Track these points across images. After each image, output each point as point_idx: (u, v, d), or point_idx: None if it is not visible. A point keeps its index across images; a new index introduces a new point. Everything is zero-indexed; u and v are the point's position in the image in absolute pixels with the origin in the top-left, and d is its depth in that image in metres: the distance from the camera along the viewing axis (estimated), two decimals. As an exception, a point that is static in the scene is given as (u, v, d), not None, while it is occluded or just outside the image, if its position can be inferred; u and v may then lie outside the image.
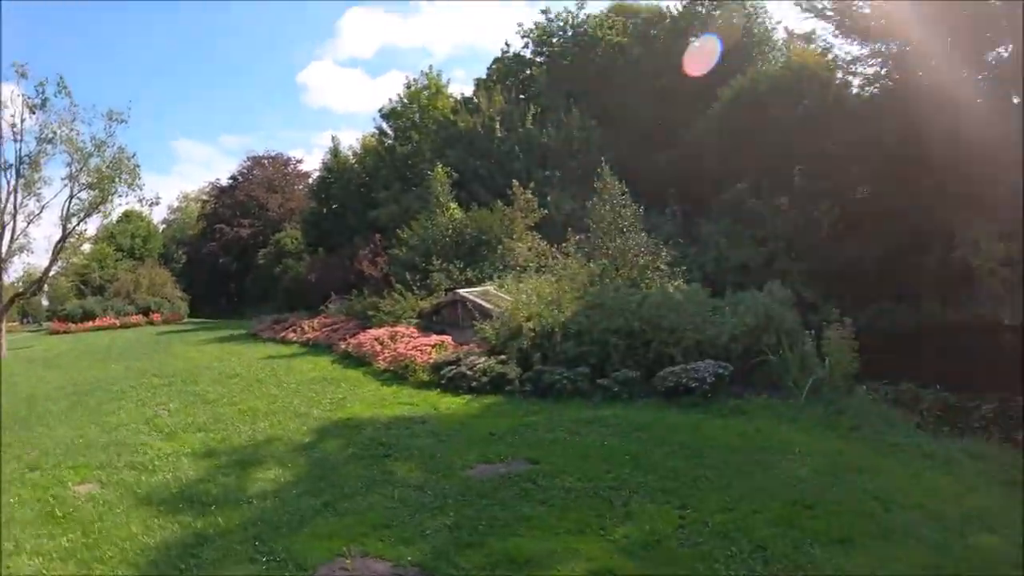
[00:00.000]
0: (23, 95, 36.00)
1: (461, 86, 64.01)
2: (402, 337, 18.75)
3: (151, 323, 53.46)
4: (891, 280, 24.15)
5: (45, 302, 79.19)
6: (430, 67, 48.06)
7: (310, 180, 66.54)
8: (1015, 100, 25.57)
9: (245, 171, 70.71)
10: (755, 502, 7.05)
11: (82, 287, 54.89)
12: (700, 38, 37.26)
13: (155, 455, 10.08)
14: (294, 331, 28.34)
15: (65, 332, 49.34)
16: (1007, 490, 7.96)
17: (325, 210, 48.59)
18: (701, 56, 36.00)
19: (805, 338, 13.09)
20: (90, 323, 51.36)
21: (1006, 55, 26.17)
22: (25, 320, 74.21)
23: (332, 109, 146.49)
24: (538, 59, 41.32)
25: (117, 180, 37.82)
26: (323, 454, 9.57)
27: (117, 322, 52.29)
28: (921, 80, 25.05)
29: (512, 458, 8.88)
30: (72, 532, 7.19)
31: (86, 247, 48.33)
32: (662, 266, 19.85)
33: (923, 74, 25.27)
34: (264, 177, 69.36)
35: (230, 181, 71.35)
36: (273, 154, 73.13)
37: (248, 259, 63.96)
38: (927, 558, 5.88)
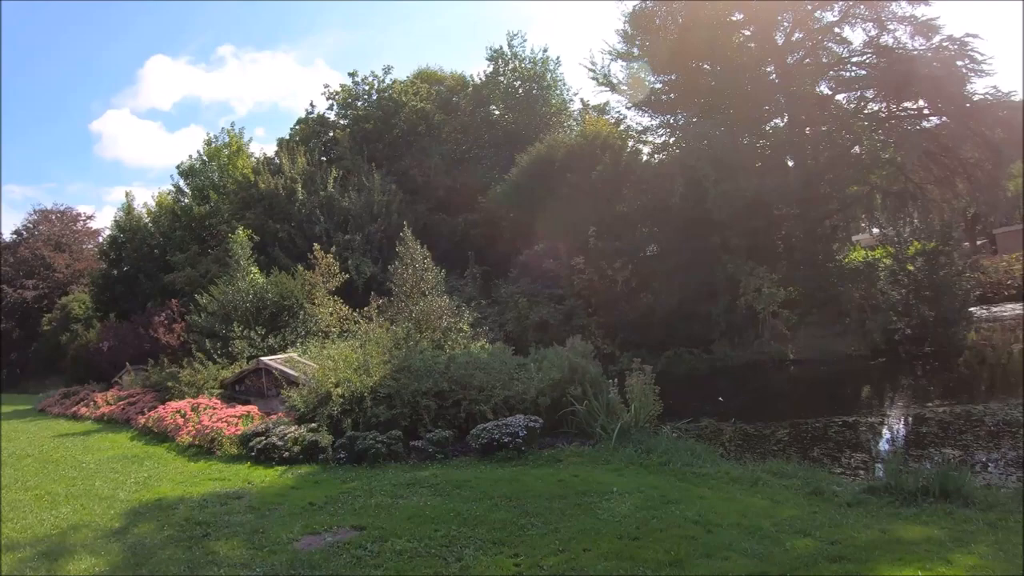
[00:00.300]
0: None
1: (262, 144, 63.14)
2: (205, 409, 18.18)
3: (-88, 399, 48.77)
4: (684, 328, 25.94)
5: None
6: (232, 124, 47.26)
7: (100, 239, 63.18)
8: (789, 163, 28.52)
9: (30, 226, 65.95)
10: (584, 541, 7.55)
11: None
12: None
13: (-56, 551, 9.33)
14: (86, 406, 26.59)
15: None
16: (812, 499, 9.01)
17: (116, 272, 46.24)
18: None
19: (609, 387, 14.07)
20: None
21: (781, 124, 29.19)
22: None
23: (125, 162, 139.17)
24: (342, 121, 41.60)
25: None
26: (137, 539, 9.15)
27: None
28: (705, 147, 27.34)
29: (337, 527, 8.91)
30: None
31: None
32: (465, 327, 20.56)
33: (707, 142, 27.58)
34: (51, 234, 64.97)
35: (13, 236, 66.26)
36: (61, 208, 68.68)
37: (32, 325, 59.55)
38: (752, 567, 6.61)
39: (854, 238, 36.49)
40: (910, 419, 16.55)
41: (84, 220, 69.39)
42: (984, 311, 28.45)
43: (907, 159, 26.85)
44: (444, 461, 12.45)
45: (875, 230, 34.15)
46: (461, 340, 19.72)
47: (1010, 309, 30.72)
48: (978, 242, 43.41)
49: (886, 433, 15.50)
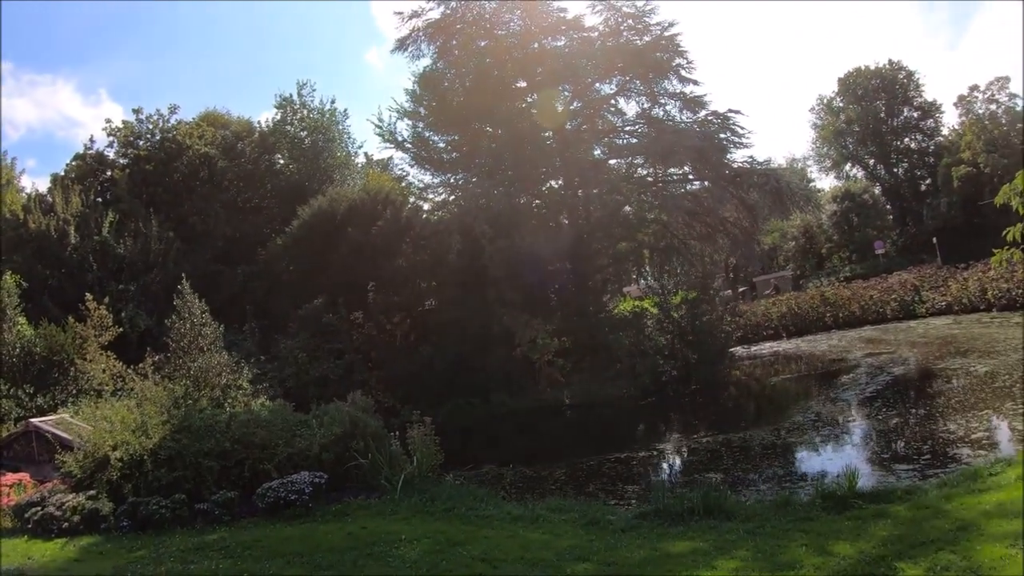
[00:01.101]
0: None
1: (34, 179, 58.08)
2: (-29, 478, 17.11)
3: None
4: (463, 379, 26.89)
5: None
6: (4, 153, 43.65)
7: None
8: (564, 221, 30.47)
9: None
10: None
11: None
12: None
13: None
14: None
15: None
16: (589, 529, 10.01)
17: None
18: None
19: (391, 439, 14.77)
20: None
21: (557, 185, 31.19)
22: None
23: None
24: (122, 160, 39.83)
25: None
26: None
27: None
28: (484, 205, 28.68)
29: None
30: None
31: None
32: (244, 384, 20.59)
33: (485, 201, 28.93)
34: None
35: None
36: None
37: None
38: None
39: (625, 289, 38.99)
40: (680, 450, 18.54)
41: None
42: (744, 350, 31.31)
43: (672, 218, 29.60)
44: (232, 523, 12.47)
45: (643, 281, 36.90)
46: (241, 397, 19.69)
47: (768, 347, 34.02)
48: (740, 289, 47.62)
49: (657, 464, 17.19)
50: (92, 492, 13.78)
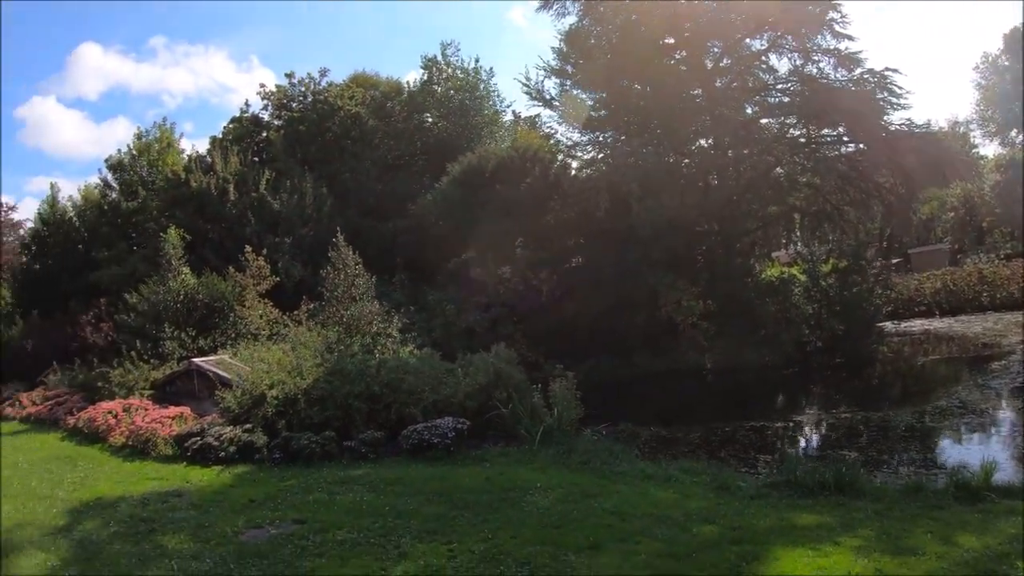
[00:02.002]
0: None
1: (192, 141, 61.43)
2: (137, 410, 18.23)
3: None
4: (605, 337, 26.57)
5: None
6: (164, 119, 45.98)
7: (22, 231, 61.37)
8: (714, 181, 29.65)
9: (-54, 215, 63.72)
10: (510, 530, 8.20)
11: None
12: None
13: None
14: (11, 406, 26.12)
15: None
16: (719, 493, 9.76)
17: (39, 267, 44.86)
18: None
19: (532, 392, 14.65)
20: None
21: (706, 145, 30.33)
22: None
23: (47, 152, 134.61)
24: (276, 122, 41.16)
25: None
26: (83, 535, 9.41)
27: None
28: (633, 164, 28.22)
29: (279, 521, 9.30)
30: None
31: None
32: (394, 332, 20.88)
33: (634, 159, 28.45)
34: (-32, 224, 62.88)
35: (-71, 229, 63.94)
36: (-19, 199, 66.49)
37: (-50, 322, 57.59)
38: (661, 549, 7.37)
39: (773, 254, 37.77)
40: (817, 424, 17.68)
41: (5, 211, 67.13)
42: (894, 325, 29.81)
43: (824, 182, 28.27)
44: (376, 461, 12.83)
45: (792, 247, 35.63)
46: (390, 345, 20.01)
47: (919, 324, 32.25)
48: (893, 261, 45.30)
49: (792, 436, 16.45)
50: (248, 426, 14.49)
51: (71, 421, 20.07)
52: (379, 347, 19.15)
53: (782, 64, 30.34)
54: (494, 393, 14.52)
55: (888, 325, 28.49)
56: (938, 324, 31.85)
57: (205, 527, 9.33)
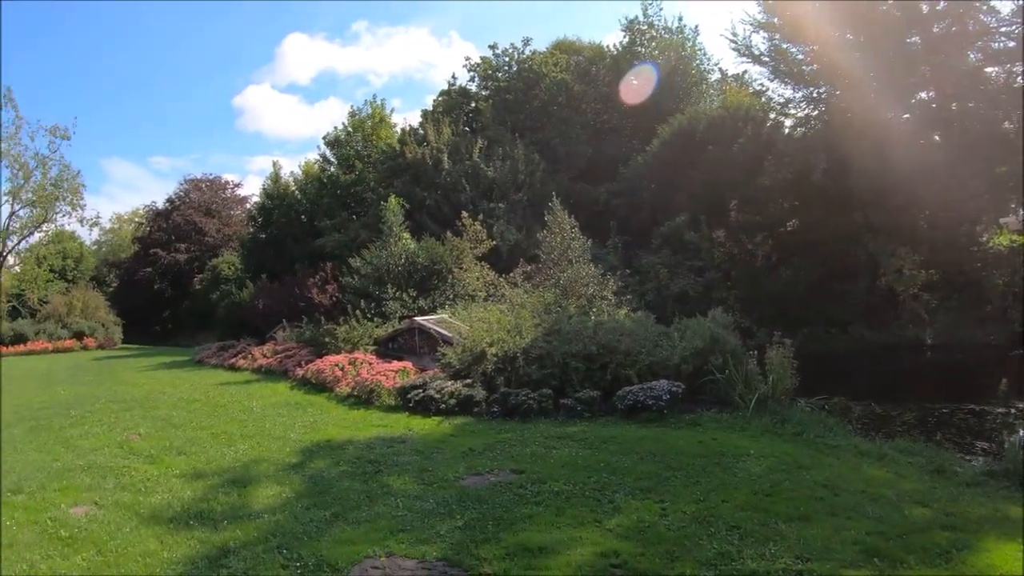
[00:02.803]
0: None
1: (403, 115, 63.97)
2: (362, 364, 19.09)
3: (85, 348, 51.90)
4: (821, 306, 25.30)
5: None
6: (374, 96, 48.12)
7: (248, 205, 65.78)
8: (936, 138, 27.16)
9: (182, 194, 69.19)
10: (722, 494, 7.98)
11: (19, 308, 53.23)
12: (637, 68, 38.59)
13: (143, 477, 10.21)
14: (244, 358, 28.07)
15: (-8, 354, 48.03)
16: (934, 476, 9.04)
17: (265, 236, 48.04)
18: (639, 84, 37.30)
19: (748, 358, 14.01)
20: (20, 346, 49.92)
21: (927, 97, 27.86)
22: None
23: (266, 134, 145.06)
24: (483, 93, 41.73)
25: (61, 199, 37.00)
26: (315, 472, 9.87)
27: (49, 346, 50.79)
28: (849, 121, 26.44)
29: (498, 469, 9.48)
30: (85, 551, 7.22)
31: (15, 268, 46.99)
32: (609, 295, 20.63)
33: (851, 115, 26.65)
34: (201, 201, 67.98)
35: (166, 204, 69.77)
36: (211, 177, 71.78)
37: (184, 284, 62.82)
38: (871, 527, 6.94)
39: (1002, 220, 34.45)
40: None
41: (232, 188, 72.27)
42: None
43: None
44: (590, 419, 12.79)
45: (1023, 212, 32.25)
46: (605, 307, 19.82)
47: None
48: None
49: (1015, 424, 14.95)
50: (468, 381, 14.87)
51: (299, 372, 21.38)
52: (594, 309, 19.00)
53: (1004, 5, 27.27)
54: (709, 358, 14.09)
55: None
56: None
57: (428, 471, 9.58)
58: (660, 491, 8.18)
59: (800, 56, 30.62)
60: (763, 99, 32.88)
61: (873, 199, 25.05)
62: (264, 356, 26.81)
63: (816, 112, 30.80)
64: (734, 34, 31.29)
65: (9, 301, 48.91)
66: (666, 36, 40.56)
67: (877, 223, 25.34)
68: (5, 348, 49.11)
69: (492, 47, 42.30)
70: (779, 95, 32.38)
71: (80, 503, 9.12)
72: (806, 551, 6.37)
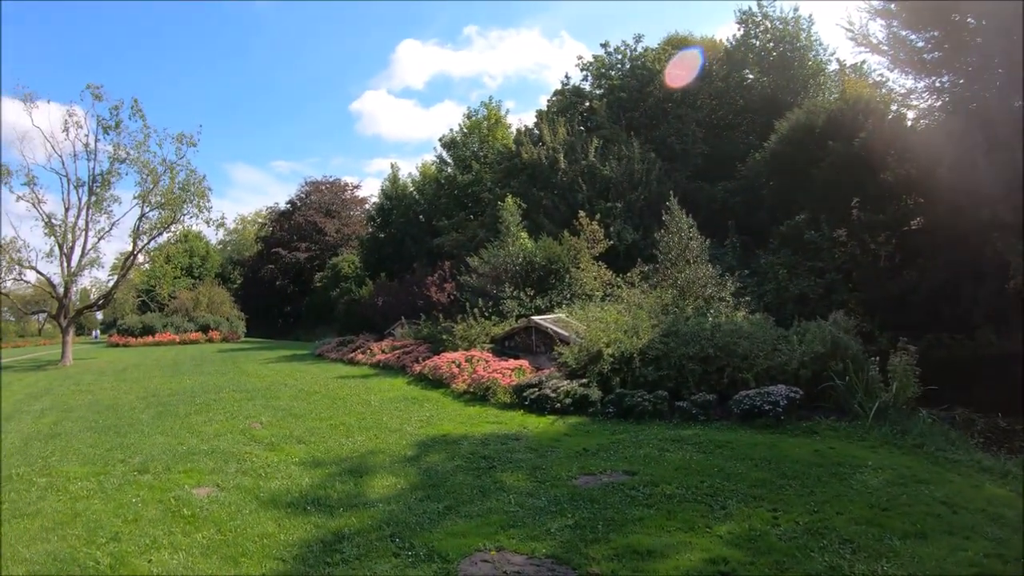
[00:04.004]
0: (98, 116, 37.42)
1: (515, 116, 64.48)
2: (479, 361, 19.33)
3: (210, 341, 54.51)
4: (947, 309, 24.12)
5: (99, 315, 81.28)
6: (490, 98, 48.50)
7: (367, 206, 67.45)
8: None
9: (303, 195, 71.61)
10: (836, 506, 7.67)
11: (148, 302, 55.98)
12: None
13: (263, 463, 10.61)
14: (363, 353, 28.78)
15: (124, 346, 50.78)
16: None
17: (384, 236, 49.11)
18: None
19: (869, 365, 13.45)
20: (149, 338, 52.64)
21: None
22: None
23: (384, 137, 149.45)
24: (597, 91, 41.42)
25: (188, 202, 38.79)
26: (429, 465, 10.03)
27: (176, 338, 53.48)
28: (975, 111, 25.14)
29: (611, 470, 9.38)
30: (206, 530, 7.59)
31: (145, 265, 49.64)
32: (727, 296, 20.21)
33: (977, 105, 25.34)
34: (321, 202, 70.19)
35: (288, 205, 72.30)
36: (331, 180, 74.00)
37: (304, 282, 64.91)
38: (990, 548, 6.53)
39: None
40: None
41: (351, 189, 74.34)
42: None
43: None
44: (705, 423, 12.55)
45: None
46: (723, 309, 19.41)
47: None
48: None
49: None
50: (583, 381, 14.79)
51: (416, 368, 21.75)
52: (712, 311, 18.61)
53: None
54: (829, 363, 13.54)
55: None
56: None
57: (541, 469, 9.58)
58: (773, 499, 7.95)
59: (920, 44, 29.23)
60: (883, 90, 31.52)
61: (1003, 194, 23.71)
62: (382, 352, 27.41)
63: (940, 103, 29.36)
64: (850, 23, 30.05)
65: (139, 296, 51.59)
66: (780, 27, 39.40)
67: (1007, 220, 23.99)
68: (135, 339, 51.98)
69: (604, 45, 41.75)
70: (900, 85, 30.90)
71: (203, 485, 9.60)
72: (919, 570, 6.09)
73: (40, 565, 6.86)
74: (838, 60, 38.07)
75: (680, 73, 37.17)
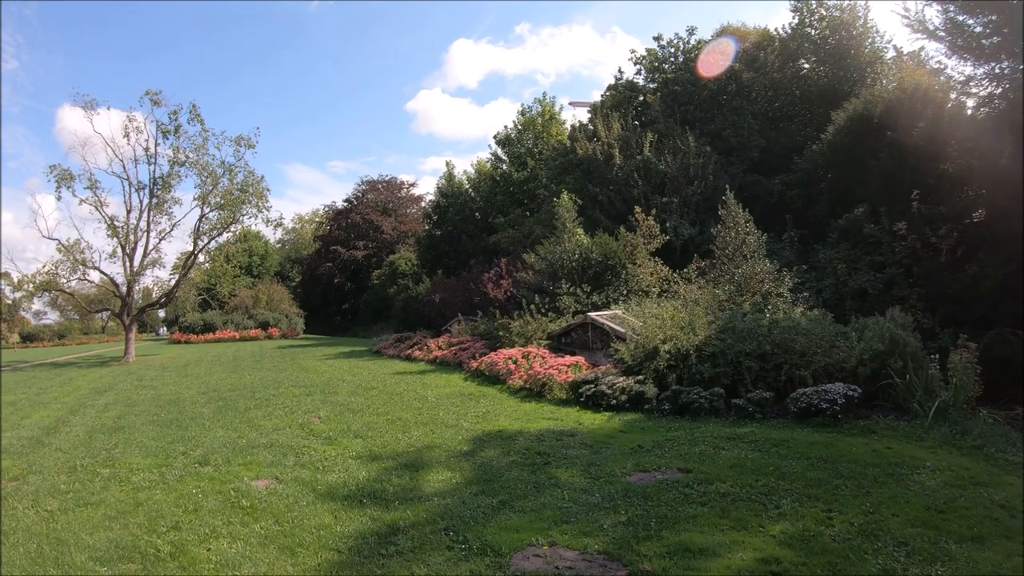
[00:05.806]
0: (157, 121, 38.75)
1: (568, 112, 64.18)
2: (535, 357, 19.41)
3: (269, 337, 55.58)
4: (1011, 304, 23.54)
5: (161, 313, 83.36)
6: (543, 94, 48.57)
7: (423, 204, 67.98)
8: None
9: (360, 194, 72.42)
10: (892, 507, 7.54)
11: (208, 300, 57.22)
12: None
13: (321, 457, 10.81)
14: (420, 349, 29.05)
15: (186, 342, 52.06)
16: None
17: (440, 233, 49.42)
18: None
19: (929, 362, 13.22)
20: (210, 335, 53.84)
21: None
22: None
23: (438, 136, 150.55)
24: (651, 85, 41.07)
25: (247, 202, 39.58)
26: (484, 460, 10.10)
27: (236, 335, 54.64)
28: (1031, 98, 24.42)
29: (665, 468, 9.35)
30: (264, 520, 7.77)
31: (206, 264, 50.81)
32: (785, 292, 19.98)
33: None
34: (378, 200, 70.95)
35: (345, 204, 73.15)
36: (387, 178, 74.70)
37: (362, 279, 65.64)
38: None
39: None
40: None
41: (407, 188, 75.01)
42: None
43: None
44: (761, 421, 12.43)
45: None
46: (781, 305, 19.20)
47: None
48: None
49: None
50: (639, 377, 14.76)
51: (473, 364, 21.91)
52: (769, 307, 18.42)
53: None
54: (888, 361, 13.26)
55: None
56: None
57: (595, 465, 9.58)
58: (828, 499, 7.85)
59: (979, 29, 28.41)
60: (942, 78, 30.74)
61: (1066, 184, 23.02)
62: (439, 348, 27.61)
63: (1000, 90, 28.52)
64: (905, 8, 29.56)
65: (200, 294, 52.80)
66: (836, 15, 38.63)
67: (1071, 210, 23.27)
68: (196, 336, 53.26)
69: (656, 39, 41.21)
70: (959, 73, 30.10)
71: (261, 477, 9.81)
72: (974, 574, 5.97)
73: (102, 551, 7.08)
74: (895, 47, 37.17)
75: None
